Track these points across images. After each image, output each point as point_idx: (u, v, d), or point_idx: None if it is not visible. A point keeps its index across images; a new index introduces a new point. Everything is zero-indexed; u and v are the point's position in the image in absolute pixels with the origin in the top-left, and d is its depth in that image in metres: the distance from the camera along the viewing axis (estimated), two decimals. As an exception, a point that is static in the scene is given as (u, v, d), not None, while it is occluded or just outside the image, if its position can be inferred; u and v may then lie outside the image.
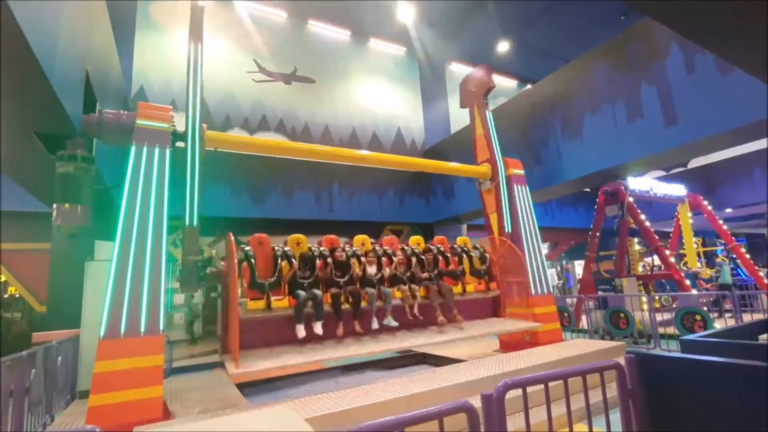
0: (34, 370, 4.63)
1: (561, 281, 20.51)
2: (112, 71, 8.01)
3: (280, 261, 5.86)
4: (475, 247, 7.87)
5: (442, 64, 18.60)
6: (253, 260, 5.66)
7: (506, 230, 8.17)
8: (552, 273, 21.21)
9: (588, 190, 16.01)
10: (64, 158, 5.11)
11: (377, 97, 16.12)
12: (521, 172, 8.88)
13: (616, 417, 2.70)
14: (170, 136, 5.48)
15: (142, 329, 4.57)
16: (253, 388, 7.71)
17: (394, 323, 6.14)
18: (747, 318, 7.77)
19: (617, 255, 11.48)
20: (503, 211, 8.24)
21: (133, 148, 5.18)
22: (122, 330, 4.49)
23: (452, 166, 8.62)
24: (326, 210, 12.10)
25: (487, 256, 7.76)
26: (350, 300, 5.94)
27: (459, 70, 19.99)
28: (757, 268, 12.48)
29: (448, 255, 7.34)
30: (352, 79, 16.05)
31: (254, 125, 13.00)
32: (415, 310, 6.35)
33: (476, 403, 2.23)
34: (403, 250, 6.94)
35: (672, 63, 7.41)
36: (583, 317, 9.92)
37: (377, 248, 6.68)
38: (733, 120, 6.59)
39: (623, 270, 11.30)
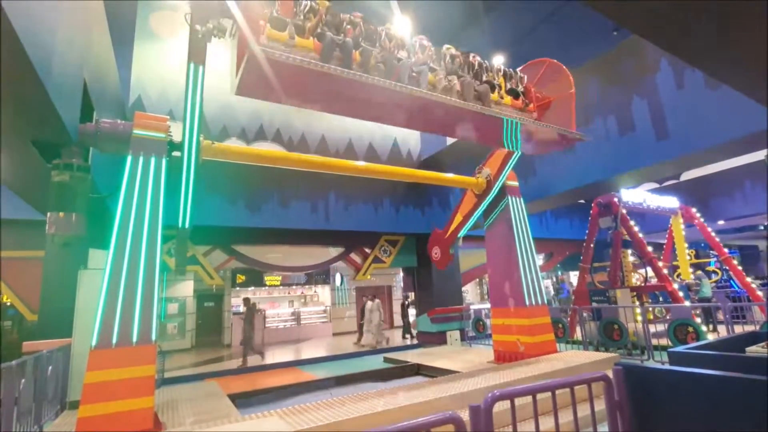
0: (23, 380, 4.58)
1: (555, 293, 20.58)
2: (110, 80, 8.06)
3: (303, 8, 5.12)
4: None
5: (439, 76, 18.81)
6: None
7: (459, 235, 8.77)
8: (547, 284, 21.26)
9: (582, 201, 16.12)
10: (59, 167, 5.12)
11: (374, 108, 16.27)
12: (516, 183, 8.96)
13: (605, 429, 2.72)
14: (167, 146, 5.52)
15: (134, 339, 4.56)
16: (244, 400, 7.67)
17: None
18: (739, 330, 7.80)
19: (611, 266, 11.54)
20: (469, 219, 8.63)
21: (129, 158, 5.21)
22: (114, 339, 4.48)
23: (447, 177, 8.69)
24: (322, 220, 12.11)
25: (524, 78, 7.35)
26: (382, 67, 5.33)
27: (455, 82, 20.20)
28: (749, 280, 12.58)
29: (485, 63, 6.85)
30: (349, 90, 16.11)
31: (251, 135, 13.05)
32: (453, 96, 5.85)
33: (466, 415, 2.24)
34: (437, 49, 6.39)
35: (663, 78, 7.56)
36: (578, 328, 9.93)
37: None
38: (723, 134, 6.71)
39: (617, 281, 11.35)
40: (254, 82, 4.78)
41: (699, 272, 13.00)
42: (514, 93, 6.96)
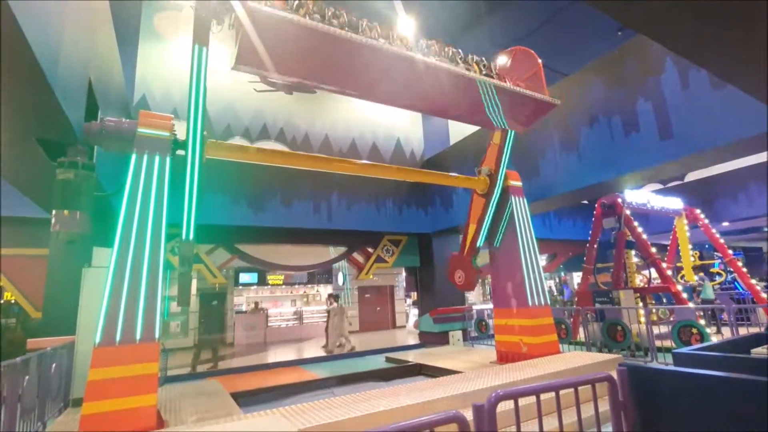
0: (27, 377, 4.60)
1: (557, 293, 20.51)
2: (115, 79, 8.10)
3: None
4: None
5: (442, 76, 18.78)
6: None
7: (478, 245, 8.25)
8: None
9: (586, 202, 16.07)
10: (64, 165, 5.15)
11: (377, 108, 16.26)
12: (519, 183, 8.94)
13: (608, 430, 2.71)
14: (171, 144, 5.54)
15: (138, 336, 4.57)
16: (247, 399, 7.68)
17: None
18: (743, 332, 7.76)
19: (614, 267, 11.50)
20: (484, 223, 8.32)
21: (133, 156, 5.23)
22: (118, 337, 4.49)
23: (451, 177, 8.68)
24: (325, 219, 12.12)
25: (497, 65, 7.84)
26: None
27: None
28: (754, 282, 12.50)
29: (459, 53, 7.24)
30: (353, 90, 16.11)
31: (255, 134, 13.09)
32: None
33: (469, 414, 2.24)
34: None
35: (667, 78, 7.52)
36: (581, 329, 9.89)
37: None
38: (728, 135, 6.67)
39: (620, 282, 11.30)
40: (250, 50, 5.12)
41: (701, 273, 12.91)
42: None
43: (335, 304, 12.74)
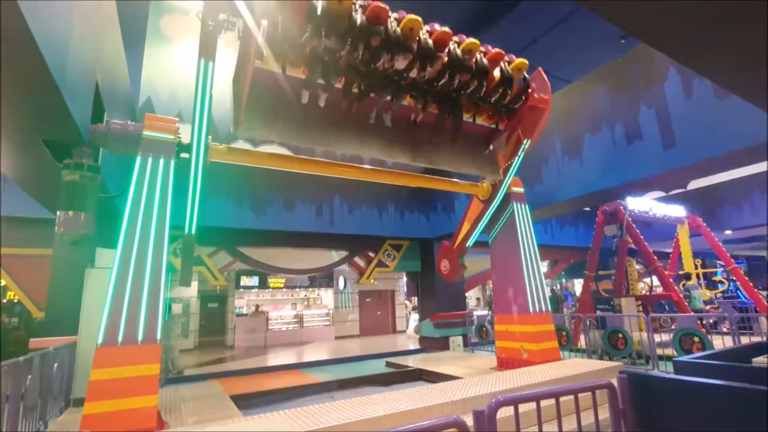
0: (30, 376, 4.63)
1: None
2: (121, 81, 8.17)
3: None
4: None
5: (445, 81, 18.85)
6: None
7: (468, 245, 8.57)
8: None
9: (588, 209, 16.05)
10: (70, 166, 5.20)
11: (380, 113, 16.36)
12: (521, 189, 8.95)
13: (608, 437, 2.71)
14: (175, 148, 5.58)
15: (140, 337, 4.59)
16: (247, 401, 7.67)
17: (388, 124, 6.47)
18: (745, 341, 7.72)
19: (616, 275, 11.47)
20: (477, 227, 8.51)
21: (138, 159, 5.27)
22: (120, 338, 4.51)
23: (453, 183, 8.70)
24: (327, 223, 12.14)
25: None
26: (361, 88, 5.72)
27: (462, 87, 20.24)
28: (756, 290, 12.44)
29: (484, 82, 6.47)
30: (356, 95, 16.15)
31: (258, 138, 13.14)
32: (418, 118, 6.55)
33: (469, 420, 2.24)
34: (449, 53, 6.08)
35: (670, 87, 7.54)
36: (582, 336, 9.86)
37: (423, 38, 5.71)
38: (731, 143, 6.67)
39: (622, 290, 11.27)
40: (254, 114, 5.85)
41: (688, 283, 12.66)
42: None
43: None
